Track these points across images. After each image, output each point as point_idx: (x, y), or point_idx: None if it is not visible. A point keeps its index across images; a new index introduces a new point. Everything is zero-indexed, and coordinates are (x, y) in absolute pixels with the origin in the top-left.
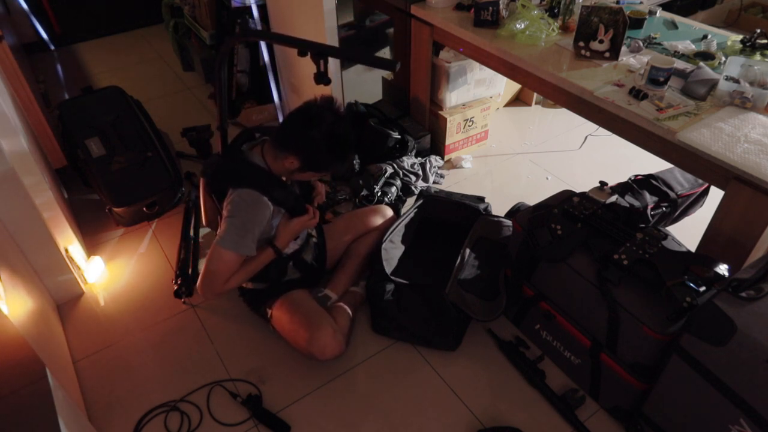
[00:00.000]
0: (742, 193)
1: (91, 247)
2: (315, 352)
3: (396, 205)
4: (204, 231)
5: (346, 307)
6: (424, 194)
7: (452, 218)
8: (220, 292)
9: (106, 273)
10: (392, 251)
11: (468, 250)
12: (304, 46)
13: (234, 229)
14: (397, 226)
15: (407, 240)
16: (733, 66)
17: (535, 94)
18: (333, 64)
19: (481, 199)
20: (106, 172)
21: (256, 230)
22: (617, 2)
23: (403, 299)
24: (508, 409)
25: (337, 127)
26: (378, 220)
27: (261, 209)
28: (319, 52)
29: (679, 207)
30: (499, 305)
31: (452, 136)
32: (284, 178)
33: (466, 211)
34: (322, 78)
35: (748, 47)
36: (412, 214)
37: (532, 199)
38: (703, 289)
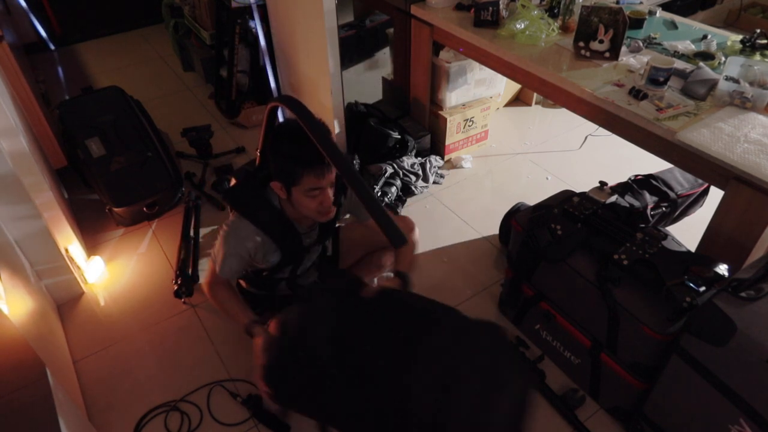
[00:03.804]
0: (742, 193)
1: (91, 247)
2: None
3: (396, 206)
4: (204, 231)
5: None
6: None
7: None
8: (208, 294)
9: (106, 273)
10: None
11: None
12: (335, 161)
13: (220, 250)
14: None
15: None
16: (733, 66)
17: (535, 94)
18: (333, 63)
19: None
20: (106, 172)
21: (234, 261)
22: (617, 2)
23: None
24: None
25: (288, 124)
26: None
27: (242, 244)
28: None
29: (679, 207)
30: None
31: (452, 136)
32: (304, 226)
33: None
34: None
35: (748, 47)
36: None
37: (532, 199)
38: (703, 289)
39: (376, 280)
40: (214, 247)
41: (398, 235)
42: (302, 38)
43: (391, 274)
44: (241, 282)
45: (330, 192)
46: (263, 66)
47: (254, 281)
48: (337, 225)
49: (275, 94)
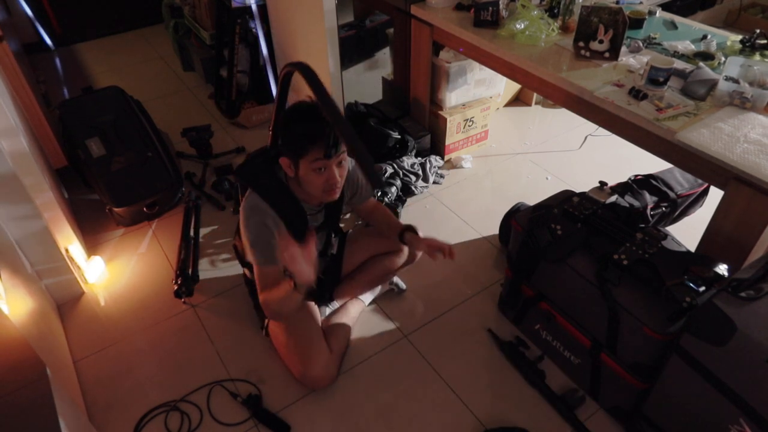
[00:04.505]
0: (742, 193)
1: (91, 247)
2: (307, 384)
3: (396, 205)
4: (204, 231)
5: (347, 323)
6: None
7: None
8: (278, 311)
9: (106, 273)
10: None
11: None
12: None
13: (250, 238)
14: None
15: None
16: (733, 66)
17: (535, 94)
18: (333, 63)
19: None
20: (106, 172)
21: (263, 239)
22: (617, 2)
23: None
24: (508, 409)
25: (299, 104)
26: (400, 245)
27: (263, 219)
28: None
29: (679, 207)
30: None
31: (452, 136)
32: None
33: None
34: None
35: (748, 47)
36: None
37: (532, 199)
38: (703, 289)
39: (380, 287)
40: (246, 247)
41: (377, 178)
42: (302, 38)
43: (401, 283)
44: (246, 272)
45: (337, 171)
46: (263, 66)
47: None
48: (346, 231)
49: (275, 94)
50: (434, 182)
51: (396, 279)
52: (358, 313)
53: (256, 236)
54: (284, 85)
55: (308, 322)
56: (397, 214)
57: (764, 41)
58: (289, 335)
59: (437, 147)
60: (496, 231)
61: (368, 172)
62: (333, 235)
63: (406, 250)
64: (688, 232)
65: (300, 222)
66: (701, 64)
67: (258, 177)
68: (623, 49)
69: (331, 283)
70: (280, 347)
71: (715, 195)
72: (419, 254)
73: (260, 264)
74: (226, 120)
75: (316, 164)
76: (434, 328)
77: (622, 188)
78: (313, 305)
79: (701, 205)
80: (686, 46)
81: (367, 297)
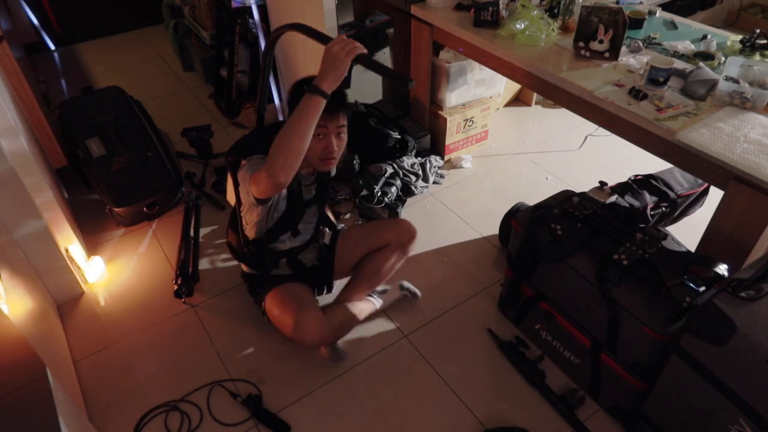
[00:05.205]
0: (742, 193)
1: (91, 247)
2: (298, 339)
3: (396, 205)
4: (204, 231)
5: (351, 310)
6: None
7: None
8: (281, 167)
9: (106, 273)
10: None
11: None
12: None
13: (249, 166)
14: None
15: None
16: (733, 66)
17: (535, 94)
18: None
19: None
20: (106, 172)
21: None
22: (617, 2)
23: None
24: (508, 409)
25: (304, 78)
26: (394, 237)
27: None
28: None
29: (679, 207)
30: None
31: (452, 136)
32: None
33: None
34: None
35: (748, 47)
36: None
37: (532, 199)
38: (702, 289)
39: (380, 288)
40: (248, 174)
41: (402, 77)
42: (302, 38)
43: (413, 288)
44: (243, 267)
45: (335, 142)
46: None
47: (254, 260)
48: (338, 228)
49: (275, 94)
50: (434, 182)
51: (408, 285)
52: (365, 309)
53: (255, 163)
54: (270, 52)
55: (302, 290)
56: (397, 214)
57: (764, 41)
58: (285, 298)
59: (437, 147)
60: (496, 231)
61: (390, 74)
62: (327, 228)
63: (393, 244)
64: (688, 232)
65: (296, 185)
66: (701, 64)
67: (254, 148)
68: (623, 49)
69: (325, 274)
70: (275, 312)
71: (715, 195)
72: (410, 248)
73: (254, 171)
74: (226, 120)
75: (317, 130)
76: (434, 328)
77: (622, 188)
78: (307, 288)
79: (701, 205)
80: (686, 46)
81: (378, 301)
